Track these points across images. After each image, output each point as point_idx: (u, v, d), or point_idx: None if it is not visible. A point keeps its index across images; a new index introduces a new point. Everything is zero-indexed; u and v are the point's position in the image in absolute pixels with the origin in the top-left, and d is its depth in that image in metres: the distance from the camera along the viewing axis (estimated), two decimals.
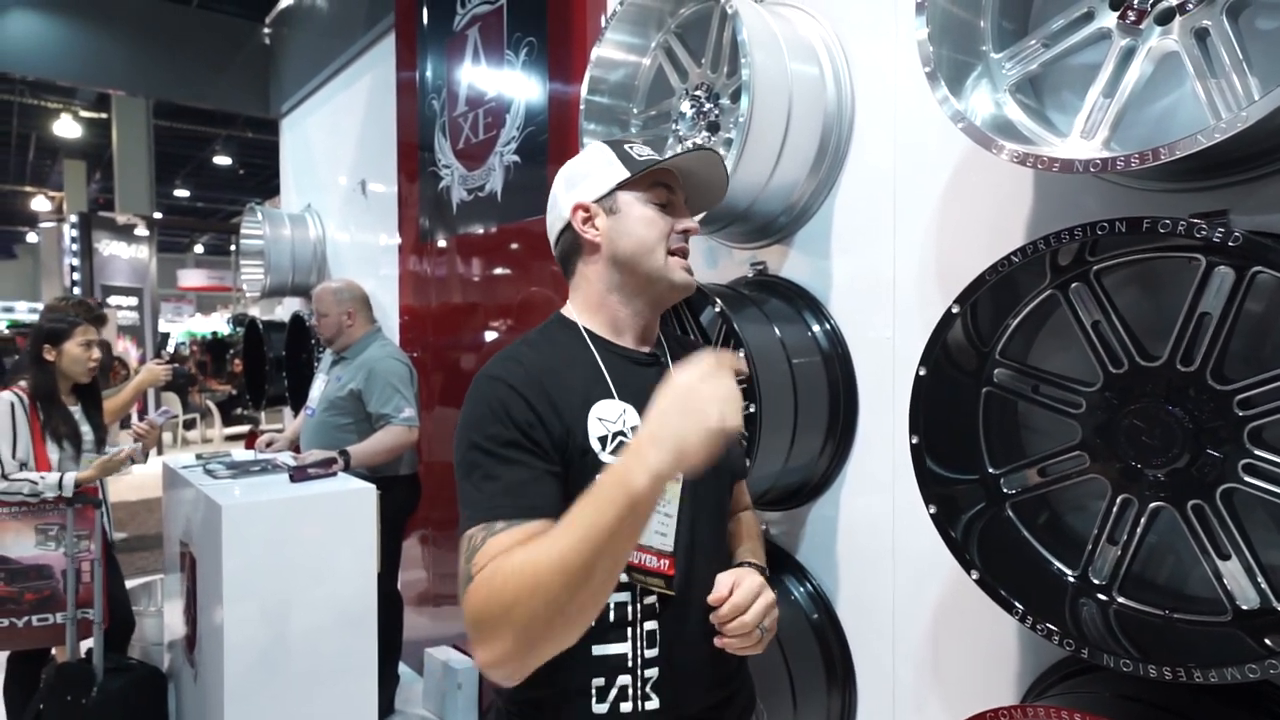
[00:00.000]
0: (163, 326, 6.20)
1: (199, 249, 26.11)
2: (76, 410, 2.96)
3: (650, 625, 1.10)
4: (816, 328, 1.81)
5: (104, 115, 13.76)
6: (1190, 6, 1.10)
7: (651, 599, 1.10)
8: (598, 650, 1.07)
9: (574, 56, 2.60)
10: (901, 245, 1.70)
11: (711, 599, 1.07)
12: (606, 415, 1.09)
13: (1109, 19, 1.19)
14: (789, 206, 1.85)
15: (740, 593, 1.07)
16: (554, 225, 1.22)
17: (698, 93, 1.91)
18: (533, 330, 1.20)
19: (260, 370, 4.96)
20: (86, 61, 6.12)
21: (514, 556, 0.87)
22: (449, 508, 3.44)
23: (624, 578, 1.08)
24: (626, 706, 1.08)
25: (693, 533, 1.13)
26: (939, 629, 1.66)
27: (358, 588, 2.55)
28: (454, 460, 1.05)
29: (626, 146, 1.19)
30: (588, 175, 1.18)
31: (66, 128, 13.78)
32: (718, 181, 1.23)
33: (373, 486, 2.61)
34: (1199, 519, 1.12)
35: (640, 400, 1.08)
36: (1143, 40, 1.16)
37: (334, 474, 2.70)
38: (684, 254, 1.18)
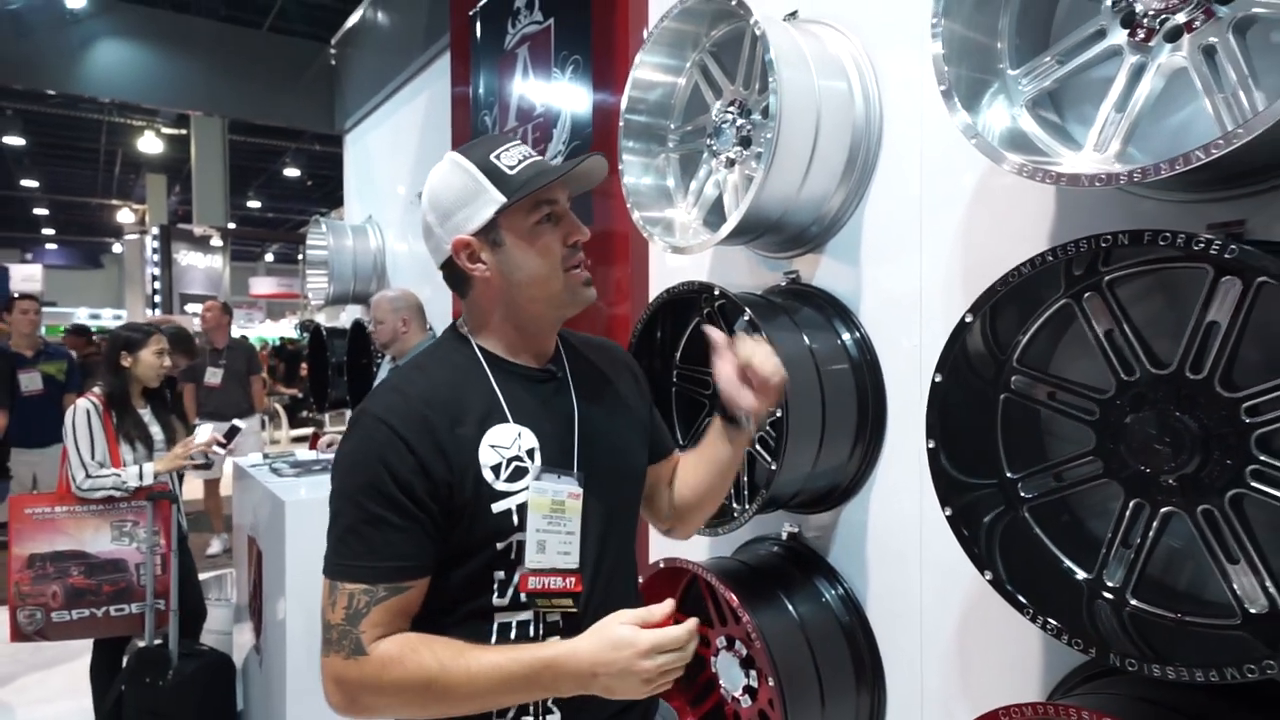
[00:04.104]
0: (235, 331, 6.46)
1: (269, 258, 27.16)
2: (146, 413, 3.16)
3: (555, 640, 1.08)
4: (846, 336, 1.85)
5: (183, 131, 14.50)
6: (1198, 24, 1.13)
7: (555, 617, 1.09)
8: None
9: (617, 72, 2.69)
10: (928, 256, 1.73)
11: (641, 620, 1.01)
12: (500, 442, 1.07)
13: (1120, 36, 1.22)
14: (819, 217, 1.90)
15: (655, 636, 0.99)
16: (435, 255, 1.14)
17: (731, 109, 1.97)
18: (430, 346, 1.18)
19: (324, 375, 5.18)
20: (167, 85, 6.51)
21: (421, 657, 0.98)
22: None
23: (523, 597, 1.07)
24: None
25: (600, 545, 1.13)
26: (965, 632, 1.68)
27: None
28: (331, 487, 1.05)
29: (494, 158, 1.08)
30: (463, 204, 1.08)
31: (149, 144, 14.56)
32: (597, 170, 1.14)
33: None
34: (1208, 523, 1.14)
35: (536, 420, 1.11)
36: (1153, 57, 1.18)
37: None
38: (580, 264, 1.11)
